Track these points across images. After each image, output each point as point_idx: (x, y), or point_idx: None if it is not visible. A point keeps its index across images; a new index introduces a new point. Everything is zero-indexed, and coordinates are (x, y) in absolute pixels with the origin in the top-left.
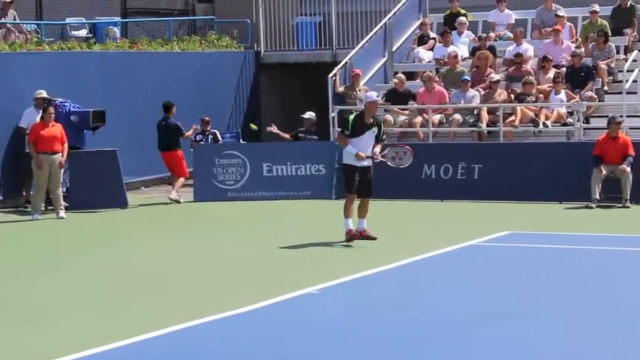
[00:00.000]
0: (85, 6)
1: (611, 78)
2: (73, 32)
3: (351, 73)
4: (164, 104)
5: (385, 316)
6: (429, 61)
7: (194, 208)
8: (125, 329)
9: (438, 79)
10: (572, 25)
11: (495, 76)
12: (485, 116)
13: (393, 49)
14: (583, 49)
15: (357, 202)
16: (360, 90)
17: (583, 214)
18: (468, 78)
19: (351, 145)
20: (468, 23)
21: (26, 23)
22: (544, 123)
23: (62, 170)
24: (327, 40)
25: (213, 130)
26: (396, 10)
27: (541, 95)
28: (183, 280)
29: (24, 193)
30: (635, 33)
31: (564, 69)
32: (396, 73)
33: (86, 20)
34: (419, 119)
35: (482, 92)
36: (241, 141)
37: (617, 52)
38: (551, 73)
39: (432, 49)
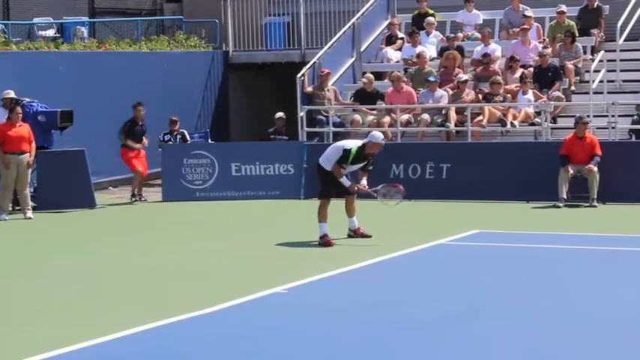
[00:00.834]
0: (52, 6)
1: (578, 78)
2: (40, 32)
3: (319, 73)
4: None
5: (352, 315)
6: (397, 61)
7: (162, 208)
8: (94, 329)
9: (406, 79)
10: (539, 25)
11: (463, 76)
12: (453, 116)
13: (362, 49)
14: (550, 50)
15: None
16: (328, 90)
17: (550, 214)
18: (433, 79)
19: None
20: (436, 23)
21: None
22: (512, 123)
23: (30, 170)
24: (296, 40)
25: (181, 130)
26: (365, 10)
27: (509, 95)
28: (152, 280)
29: None
30: (602, 33)
31: (532, 69)
32: (364, 73)
33: (54, 20)
34: (387, 119)
35: (451, 92)
36: (210, 141)
37: (584, 53)
38: (519, 73)
39: (400, 49)
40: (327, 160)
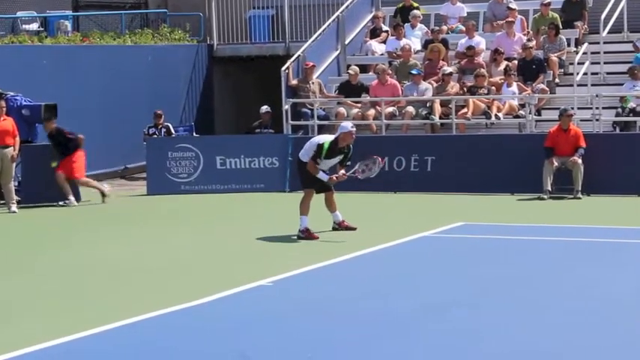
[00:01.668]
0: (36, 0)
1: (562, 70)
2: (24, 26)
3: (304, 66)
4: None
5: (336, 308)
6: (382, 54)
7: (147, 201)
8: (77, 323)
9: (390, 71)
10: (523, 17)
11: (448, 69)
12: (437, 108)
13: (346, 42)
14: (534, 42)
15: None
16: (313, 83)
17: (535, 206)
18: (416, 72)
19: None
20: (421, 17)
21: None
22: (496, 115)
23: (14, 164)
24: (280, 33)
25: (166, 124)
26: (349, 3)
27: (493, 87)
28: (137, 273)
29: None
30: (586, 26)
31: (516, 61)
32: (349, 65)
33: (37, 14)
34: (372, 112)
35: (435, 85)
36: (194, 134)
37: (568, 45)
38: (503, 66)
39: (384, 41)
40: (306, 154)
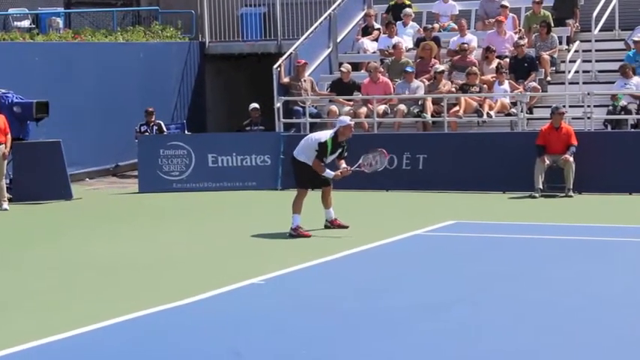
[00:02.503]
0: None
1: (554, 68)
2: (15, 23)
3: (296, 63)
4: None
5: (328, 306)
6: (374, 52)
7: (139, 199)
8: (68, 321)
9: (382, 69)
10: (515, 15)
11: (440, 67)
12: (429, 106)
13: (338, 40)
14: (526, 40)
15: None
16: (304, 80)
17: (527, 204)
18: (410, 70)
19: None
20: (413, 15)
21: None
22: (488, 113)
23: (5, 161)
24: (272, 31)
25: (157, 121)
26: (341, 0)
27: (485, 86)
28: (128, 271)
29: None
30: (577, 24)
31: (507, 59)
32: (340, 63)
33: (29, 11)
34: (364, 110)
35: (427, 83)
36: (186, 132)
37: (560, 43)
38: (495, 64)
39: (376, 39)
40: (302, 152)
